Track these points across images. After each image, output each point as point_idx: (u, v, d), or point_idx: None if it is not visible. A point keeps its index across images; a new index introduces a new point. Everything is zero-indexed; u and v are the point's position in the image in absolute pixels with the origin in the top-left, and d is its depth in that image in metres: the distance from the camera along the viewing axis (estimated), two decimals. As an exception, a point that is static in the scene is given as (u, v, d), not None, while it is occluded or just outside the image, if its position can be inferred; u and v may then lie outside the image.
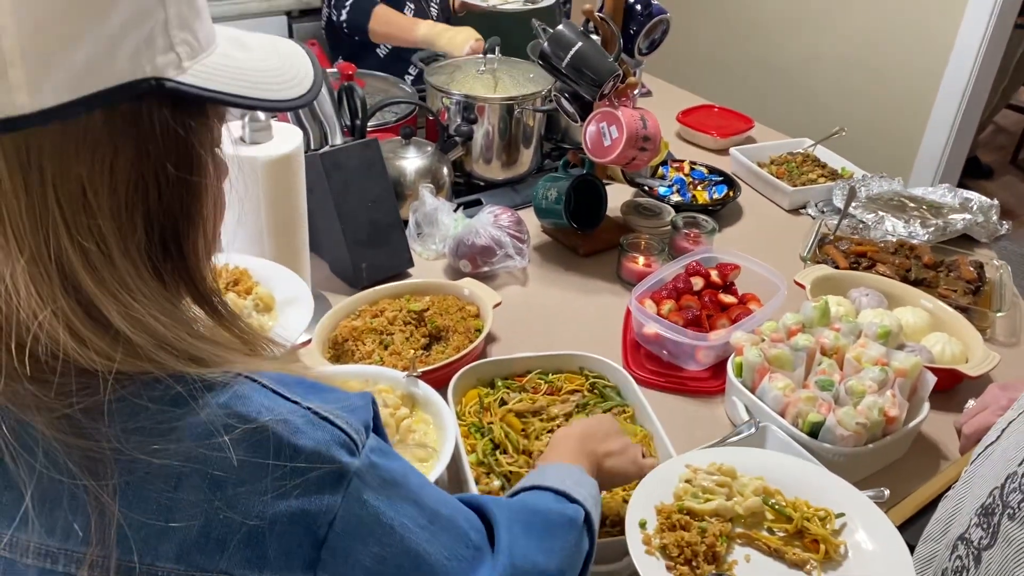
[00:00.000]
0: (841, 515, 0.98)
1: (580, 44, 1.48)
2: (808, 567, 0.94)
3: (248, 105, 0.57)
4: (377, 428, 0.61)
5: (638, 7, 1.59)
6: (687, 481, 1.00)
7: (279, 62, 0.61)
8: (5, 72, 0.46)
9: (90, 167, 0.50)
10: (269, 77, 0.59)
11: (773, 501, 0.99)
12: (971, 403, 1.14)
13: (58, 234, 0.50)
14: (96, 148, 0.50)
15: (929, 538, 0.87)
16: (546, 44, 1.50)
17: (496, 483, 1.05)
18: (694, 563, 0.90)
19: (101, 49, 0.48)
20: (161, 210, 0.54)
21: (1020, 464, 0.75)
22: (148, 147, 0.52)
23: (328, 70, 1.93)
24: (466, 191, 1.86)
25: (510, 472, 1.06)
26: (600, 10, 1.59)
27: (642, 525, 0.95)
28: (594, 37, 1.53)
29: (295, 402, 0.56)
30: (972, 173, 4.05)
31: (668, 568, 0.90)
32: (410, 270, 1.57)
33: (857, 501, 1.00)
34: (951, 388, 1.30)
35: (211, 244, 0.59)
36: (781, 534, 0.98)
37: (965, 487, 0.85)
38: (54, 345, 0.50)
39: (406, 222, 1.63)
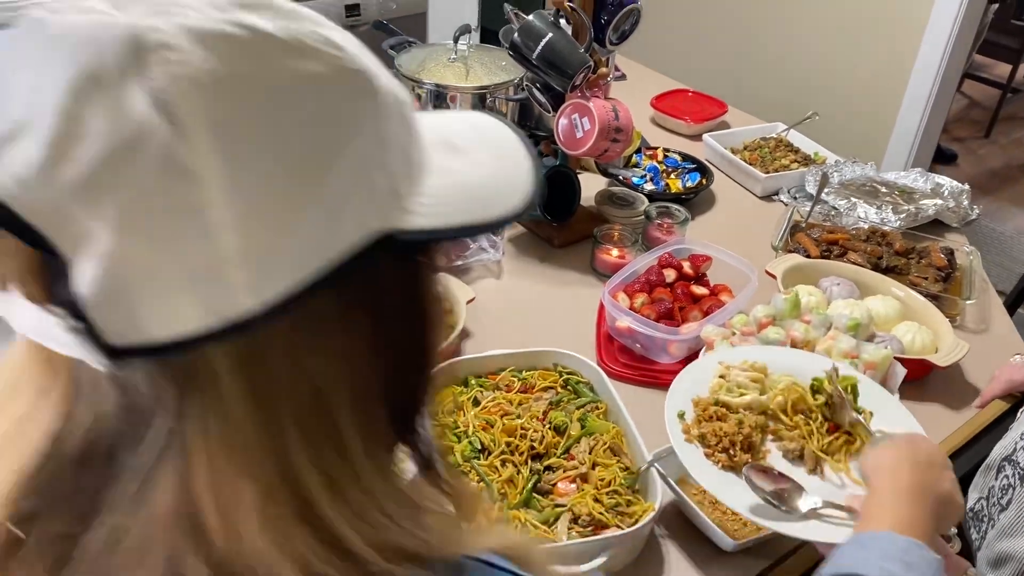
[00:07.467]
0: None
1: (551, 35, 1.46)
2: (837, 457, 0.98)
3: (483, 231, 0.44)
4: None
5: (609, -4, 1.57)
6: (721, 376, 1.07)
7: (492, 158, 0.47)
8: (225, 272, 0.36)
9: (325, 358, 0.40)
10: (490, 189, 0.45)
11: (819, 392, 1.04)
12: (1017, 358, 1.29)
13: (291, 453, 0.39)
14: (329, 333, 0.40)
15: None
16: (516, 35, 1.49)
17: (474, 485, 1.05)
18: (731, 451, 0.95)
19: (324, 219, 0.38)
20: (399, 381, 0.44)
21: None
22: (381, 314, 0.42)
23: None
24: (439, 181, 1.84)
25: (487, 475, 1.07)
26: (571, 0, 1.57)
27: (680, 416, 1.03)
28: (565, 26, 1.52)
29: None
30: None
31: (706, 455, 0.96)
32: (383, 264, 1.56)
33: (882, 398, 1.06)
34: (921, 378, 1.31)
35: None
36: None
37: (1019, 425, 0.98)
38: None
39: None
